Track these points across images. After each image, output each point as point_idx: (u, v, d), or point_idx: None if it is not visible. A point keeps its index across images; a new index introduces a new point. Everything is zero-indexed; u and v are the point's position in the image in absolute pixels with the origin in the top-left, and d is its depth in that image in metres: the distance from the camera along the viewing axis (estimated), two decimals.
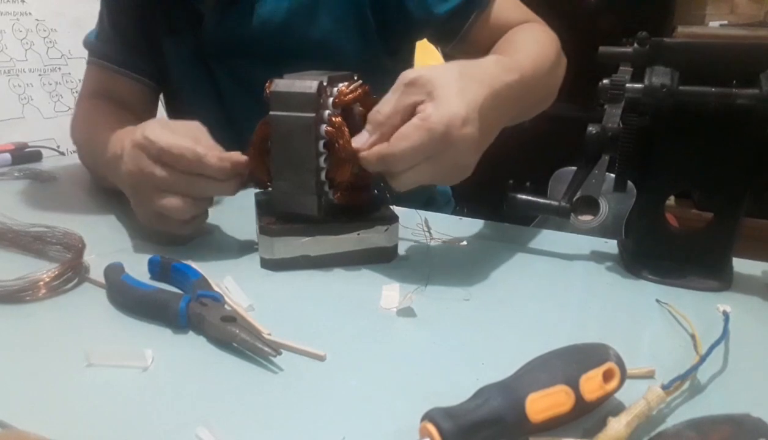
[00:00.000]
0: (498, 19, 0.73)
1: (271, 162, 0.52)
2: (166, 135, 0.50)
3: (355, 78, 0.54)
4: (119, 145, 0.54)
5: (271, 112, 0.50)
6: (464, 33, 0.73)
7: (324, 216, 0.52)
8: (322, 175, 0.51)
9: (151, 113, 0.88)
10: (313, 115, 0.49)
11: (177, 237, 0.57)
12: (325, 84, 0.49)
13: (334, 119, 0.49)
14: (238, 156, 0.52)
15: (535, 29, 0.71)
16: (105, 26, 0.83)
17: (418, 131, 0.45)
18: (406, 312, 0.45)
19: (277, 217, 0.53)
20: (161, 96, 0.91)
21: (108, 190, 0.73)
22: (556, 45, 0.69)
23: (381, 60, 0.80)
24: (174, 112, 0.90)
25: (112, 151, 0.57)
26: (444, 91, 0.46)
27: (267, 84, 0.51)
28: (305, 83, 0.49)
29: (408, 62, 0.90)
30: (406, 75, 0.47)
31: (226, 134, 0.55)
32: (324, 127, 0.49)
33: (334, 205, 0.53)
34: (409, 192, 0.49)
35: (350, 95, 0.51)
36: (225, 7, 0.75)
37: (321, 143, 0.50)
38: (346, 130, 0.50)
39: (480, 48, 0.72)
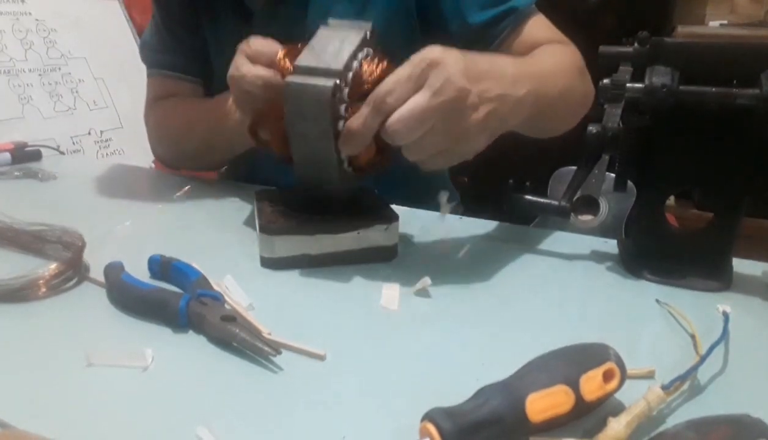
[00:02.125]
0: (529, 37, 0.72)
1: (289, 146, 0.51)
2: (263, 42, 0.55)
3: (376, 52, 0.52)
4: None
5: (286, 110, 0.48)
6: (497, 46, 0.73)
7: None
8: (344, 164, 0.50)
9: None
10: (328, 118, 0.47)
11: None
12: (338, 80, 0.47)
13: (351, 111, 0.48)
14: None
15: (555, 49, 0.70)
16: (161, 36, 0.86)
17: (401, 68, 0.47)
18: (422, 293, 0.48)
19: (277, 215, 0.53)
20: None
21: (207, 163, 0.84)
22: (575, 65, 0.69)
23: None
24: None
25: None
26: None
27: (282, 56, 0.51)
28: (318, 84, 0.46)
29: None
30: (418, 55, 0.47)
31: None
32: (342, 123, 0.48)
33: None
34: (419, 182, 0.49)
35: (366, 86, 0.49)
36: (276, 4, 0.77)
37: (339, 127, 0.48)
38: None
39: None
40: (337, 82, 0.46)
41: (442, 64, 0.46)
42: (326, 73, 0.47)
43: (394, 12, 0.75)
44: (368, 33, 0.51)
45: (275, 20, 0.77)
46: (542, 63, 0.63)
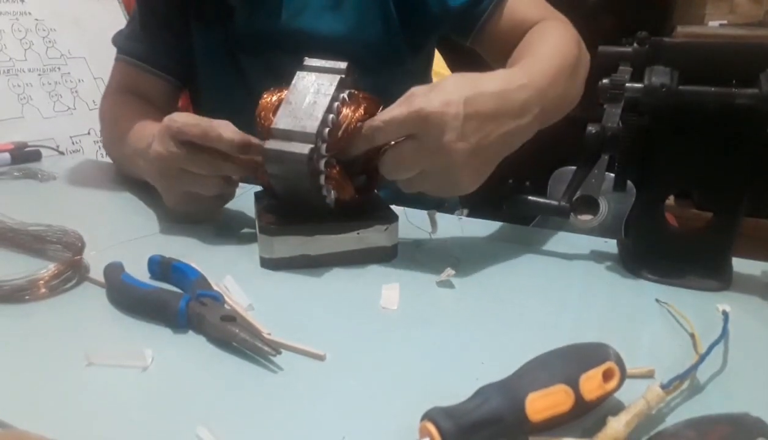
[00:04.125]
0: (515, 13, 0.72)
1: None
2: (187, 116, 0.54)
3: (355, 92, 0.53)
4: (150, 135, 0.58)
5: (267, 168, 0.50)
6: (481, 26, 0.73)
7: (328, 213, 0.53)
8: (326, 199, 0.52)
9: (173, 109, 0.90)
10: (307, 176, 0.49)
11: (201, 215, 0.60)
12: (314, 145, 0.48)
13: (330, 172, 0.51)
14: (250, 137, 0.53)
15: (553, 31, 0.69)
16: (135, 24, 0.86)
17: (399, 105, 0.48)
18: (446, 284, 0.50)
19: (277, 215, 0.53)
20: (189, 95, 0.93)
21: (132, 179, 0.76)
22: (575, 44, 0.68)
23: (404, 56, 0.81)
24: (201, 109, 0.92)
25: (144, 141, 0.60)
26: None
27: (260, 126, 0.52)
28: (295, 151, 0.48)
29: (429, 60, 0.92)
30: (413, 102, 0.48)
31: (255, 127, 0.56)
32: (322, 178, 0.50)
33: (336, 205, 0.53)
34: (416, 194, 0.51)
35: (344, 136, 0.51)
36: (255, 0, 0.77)
37: (322, 187, 0.51)
38: (347, 179, 0.52)
39: (499, 43, 0.72)
40: (313, 146, 0.48)
41: (439, 124, 0.46)
42: (302, 137, 0.49)
43: (369, 6, 0.76)
44: (344, 75, 0.52)
45: (255, 16, 0.78)
46: (546, 64, 0.60)
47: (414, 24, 0.78)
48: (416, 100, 0.47)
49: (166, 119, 0.54)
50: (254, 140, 0.53)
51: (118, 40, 0.88)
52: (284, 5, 0.76)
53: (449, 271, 0.50)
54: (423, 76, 0.92)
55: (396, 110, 0.48)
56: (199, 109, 0.92)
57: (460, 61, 0.80)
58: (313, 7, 0.76)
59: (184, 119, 0.54)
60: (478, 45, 0.76)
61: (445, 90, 0.47)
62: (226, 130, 0.52)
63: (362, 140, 0.50)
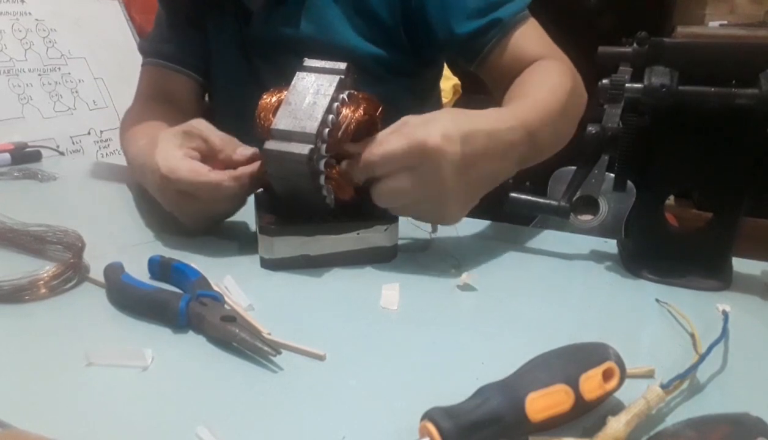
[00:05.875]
0: (518, 48, 0.73)
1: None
2: (181, 166, 0.52)
3: (354, 92, 0.53)
4: (149, 153, 0.57)
5: (267, 168, 0.51)
6: (485, 55, 0.74)
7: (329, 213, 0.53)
8: (326, 199, 0.52)
9: (198, 108, 0.91)
10: (308, 177, 0.49)
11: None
12: (314, 146, 0.48)
13: (331, 171, 0.51)
14: (249, 170, 0.53)
15: (550, 72, 0.70)
16: (161, 28, 0.87)
17: (397, 137, 0.49)
18: (467, 287, 0.49)
19: (277, 215, 0.53)
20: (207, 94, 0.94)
21: (134, 181, 0.75)
22: (570, 88, 0.68)
23: (414, 71, 0.83)
24: (218, 109, 0.93)
25: (143, 157, 0.60)
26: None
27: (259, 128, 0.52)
28: (295, 151, 0.48)
29: (439, 71, 0.94)
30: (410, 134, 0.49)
31: (255, 128, 0.56)
32: (322, 178, 0.50)
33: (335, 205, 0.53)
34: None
35: (344, 137, 0.51)
36: (273, 6, 0.78)
37: (322, 188, 0.51)
38: (347, 179, 0.52)
39: (500, 74, 0.74)
40: (313, 147, 0.48)
41: (438, 159, 0.47)
42: (302, 137, 0.49)
43: (378, 24, 0.77)
44: (343, 75, 0.52)
45: (272, 21, 0.78)
46: (540, 106, 0.61)
47: (422, 45, 0.79)
48: (415, 131, 0.48)
49: (161, 169, 0.53)
50: (249, 171, 0.53)
51: (144, 46, 0.89)
52: (302, 14, 0.77)
53: (466, 276, 0.50)
54: (432, 86, 0.94)
55: (395, 143, 0.48)
56: (216, 107, 0.93)
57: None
58: (329, 17, 0.77)
59: (182, 175, 0.52)
60: (481, 72, 0.78)
61: (443, 124, 0.48)
62: (228, 179, 0.52)
63: (360, 172, 0.50)
